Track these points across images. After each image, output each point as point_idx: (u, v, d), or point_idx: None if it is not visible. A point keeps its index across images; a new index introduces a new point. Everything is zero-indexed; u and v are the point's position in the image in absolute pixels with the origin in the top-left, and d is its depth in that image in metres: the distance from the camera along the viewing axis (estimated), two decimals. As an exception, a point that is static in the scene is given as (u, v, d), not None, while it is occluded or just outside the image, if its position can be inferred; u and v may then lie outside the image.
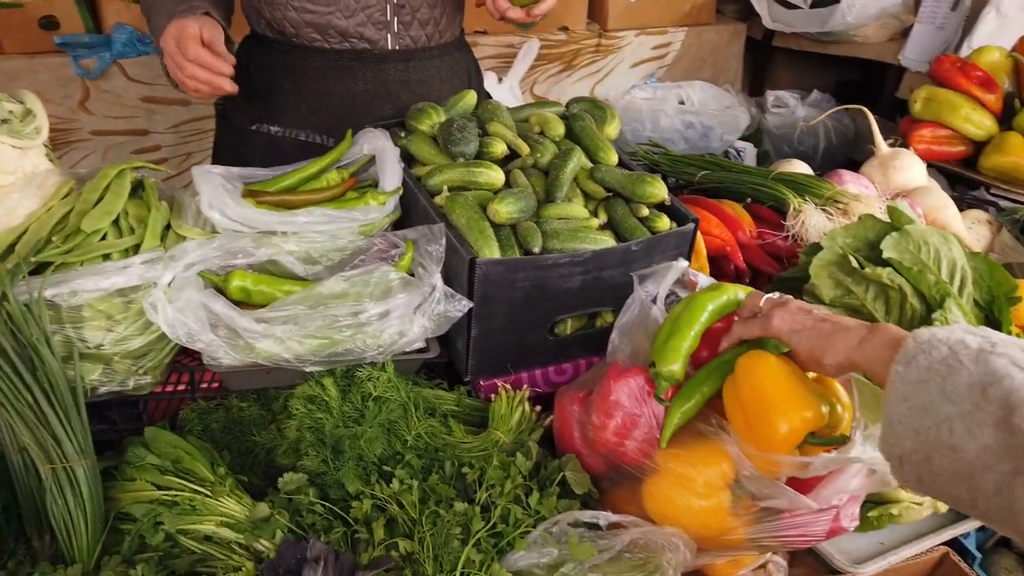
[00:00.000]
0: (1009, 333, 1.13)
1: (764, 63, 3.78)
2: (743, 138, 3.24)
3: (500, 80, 2.88)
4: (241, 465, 1.13)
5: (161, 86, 2.54)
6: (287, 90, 1.61)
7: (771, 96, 3.31)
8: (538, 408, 1.21)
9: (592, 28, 3.19)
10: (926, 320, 1.11)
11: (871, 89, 3.58)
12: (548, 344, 1.29)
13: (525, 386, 1.22)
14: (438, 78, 1.68)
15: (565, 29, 3.13)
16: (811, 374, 1.08)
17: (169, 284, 1.07)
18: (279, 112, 1.62)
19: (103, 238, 1.13)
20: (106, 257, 1.10)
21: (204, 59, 1.27)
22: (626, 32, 3.21)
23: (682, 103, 3.24)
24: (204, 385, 1.22)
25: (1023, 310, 1.33)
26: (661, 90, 3.22)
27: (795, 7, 3.20)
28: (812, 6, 3.14)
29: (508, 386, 1.21)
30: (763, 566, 1.14)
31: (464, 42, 1.83)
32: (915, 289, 1.13)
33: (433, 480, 1.04)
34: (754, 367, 0.99)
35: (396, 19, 1.57)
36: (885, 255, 1.15)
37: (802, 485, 0.98)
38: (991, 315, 1.17)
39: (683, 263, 1.10)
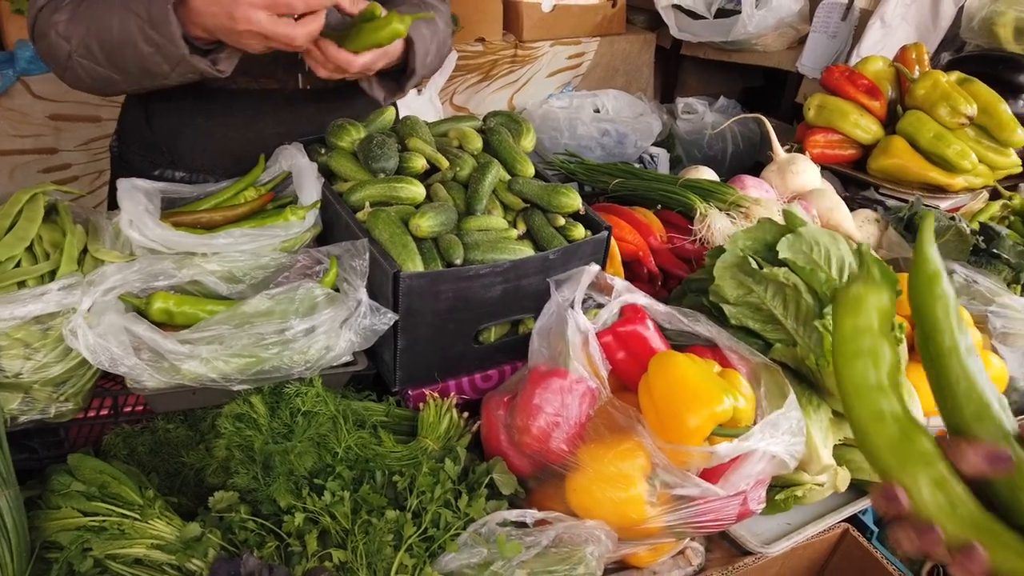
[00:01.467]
0: (894, 324, 1.24)
1: (674, 71, 3.94)
2: (657, 144, 3.37)
3: (420, 91, 2.92)
4: (170, 487, 1.13)
5: (69, 103, 2.47)
6: (190, 134, 1.56)
7: (681, 103, 3.45)
8: (466, 414, 1.25)
9: (508, 39, 3.27)
10: (819, 315, 1.20)
11: (774, 94, 3.78)
12: (473, 352, 1.33)
13: (453, 394, 1.25)
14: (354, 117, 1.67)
15: (482, 40, 3.19)
16: (715, 369, 1.16)
17: (89, 309, 1.06)
18: (183, 157, 1.58)
19: (17, 265, 1.12)
20: (21, 285, 1.09)
21: None
22: (541, 43, 3.30)
23: (598, 111, 3.35)
24: (128, 409, 1.21)
25: (906, 302, 1.45)
26: (577, 99, 3.32)
27: (700, 17, 3.35)
28: (715, 17, 3.30)
29: (436, 395, 1.25)
30: (682, 552, 1.21)
31: None
32: (808, 286, 1.22)
33: (364, 490, 1.06)
34: (665, 366, 1.07)
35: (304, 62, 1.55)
36: (781, 256, 1.25)
37: (711, 474, 1.06)
38: (877, 308, 1.27)
39: (595, 267, 1.16)
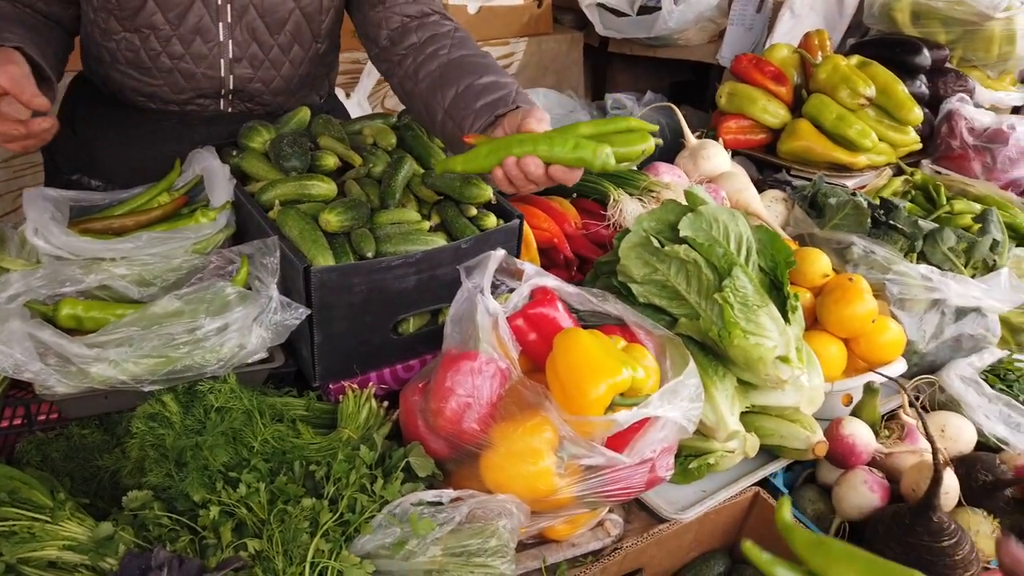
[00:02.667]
0: (787, 293, 1.30)
1: (604, 68, 4.01)
2: (588, 139, 3.42)
3: (348, 96, 2.93)
4: (86, 491, 1.13)
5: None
6: (111, 143, 1.56)
7: (610, 99, 3.52)
8: (386, 404, 1.27)
9: (436, 41, 3.29)
10: (719, 288, 1.26)
11: (702, 87, 3.88)
12: (393, 343, 1.35)
13: (371, 384, 1.28)
14: None
15: (409, 43, 3.21)
16: (620, 345, 1.20)
17: (-9, 317, 1.06)
18: (100, 165, 1.57)
19: (-84, 277, 1.11)
20: (-80, 296, 1.08)
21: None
22: (469, 44, 3.33)
23: (529, 109, 3.39)
24: (42, 417, 1.21)
25: (816, 276, 1.52)
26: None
27: (624, 15, 3.43)
28: (638, 13, 3.37)
29: (355, 386, 1.27)
30: (601, 524, 1.26)
31: (332, 101, 1.80)
32: (707, 261, 1.28)
33: (281, 481, 1.08)
34: (568, 342, 1.11)
35: (231, 95, 1.55)
36: (682, 234, 1.30)
37: (618, 444, 1.10)
38: (775, 278, 1.34)
39: (501, 252, 1.20)
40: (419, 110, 1.46)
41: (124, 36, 1.40)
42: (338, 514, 1.04)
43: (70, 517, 1.00)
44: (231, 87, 1.50)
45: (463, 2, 3.23)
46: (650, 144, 1.21)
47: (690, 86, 4.15)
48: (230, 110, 1.57)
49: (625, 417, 1.03)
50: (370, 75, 2.94)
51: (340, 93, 2.91)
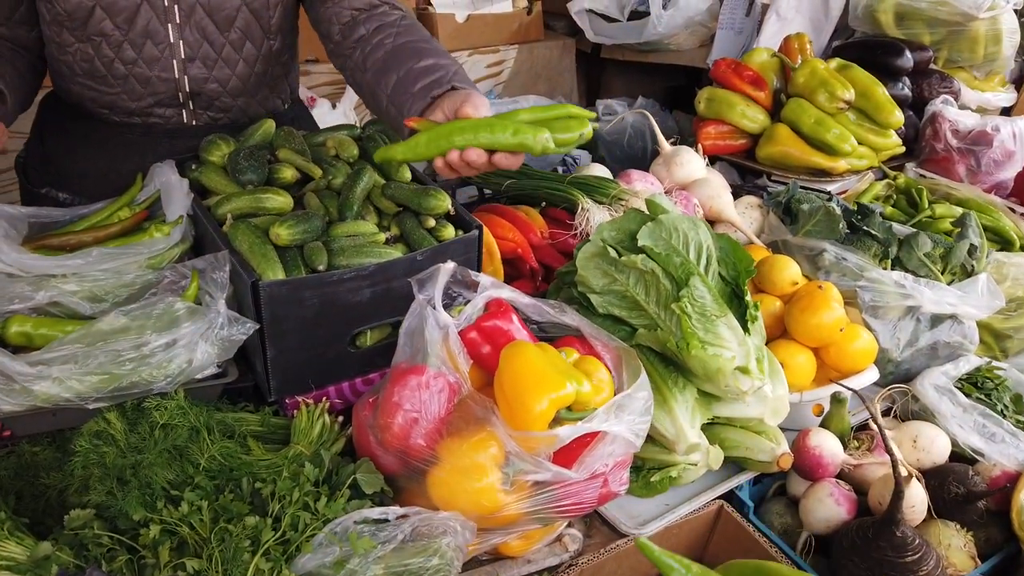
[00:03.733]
0: (747, 303, 1.28)
1: (597, 74, 4.00)
2: (579, 147, 3.41)
3: (334, 106, 2.93)
4: (35, 509, 1.12)
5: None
6: (77, 157, 1.57)
7: (601, 105, 3.50)
8: (340, 419, 1.26)
9: (425, 51, 3.29)
10: (676, 298, 1.24)
11: (695, 93, 3.85)
12: (351, 357, 1.34)
13: (324, 399, 1.26)
14: None
15: (398, 53, 3.21)
16: (573, 357, 1.18)
17: (-66, 335, 1.06)
18: (68, 179, 1.58)
19: None
20: None
21: None
22: (458, 53, 3.33)
23: (519, 117, 3.38)
24: (-6, 435, 1.20)
25: (786, 284, 1.49)
26: (497, 106, 3.35)
27: (614, 20, 3.41)
28: (629, 19, 3.36)
29: (310, 401, 1.25)
30: (559, 539, 1.23)
31: (298, 109, 1.80)
32: (665, 271, 1.26)
33: (225, 499, 1.06)
34: (512, 356, 1.09)
35: (191, 102, 1.55)
36: (640, 243, 1.28)
37: (567, 459, 1.08)
38: (736, 287, 1.31)
39: (450, 264, 1.18)
40: (368, 100, 1.48)
41: (78, 47, 1.41)
42: (280, 532, 1.03)
43: (8, 536, 0.99)
44: (187, 90, 1.51)
45: (451, 11, 3.23)
46: (588, 129, 1.23)
47: (684, 91, 4.12)
48: (194, 122, 1.57)
49: (567, 432, 1.01)
50: (356, 85, 2.94)
51: (326, 104, 2.93)
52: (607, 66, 3.99)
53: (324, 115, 2.85)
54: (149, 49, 1.43)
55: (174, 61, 1.46)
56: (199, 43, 1.46)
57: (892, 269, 1.57)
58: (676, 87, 4.16)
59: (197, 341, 1.15)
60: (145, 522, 1.03)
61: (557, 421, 1.05)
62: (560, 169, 3.10)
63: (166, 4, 1.40)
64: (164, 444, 1.08)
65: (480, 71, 3.45)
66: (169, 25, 1.42)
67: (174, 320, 1.17)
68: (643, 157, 3.41)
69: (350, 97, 2.94)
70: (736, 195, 1.84)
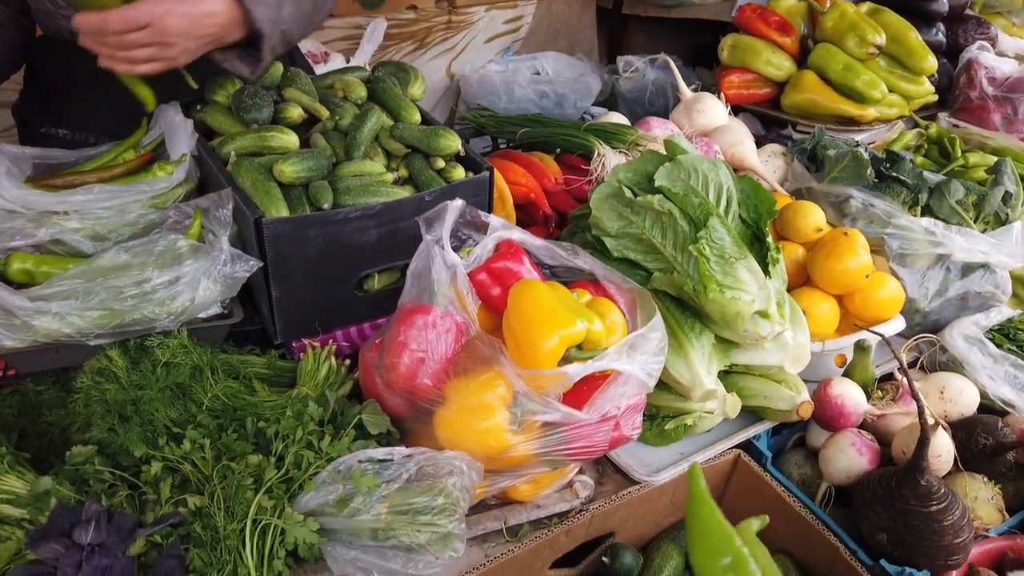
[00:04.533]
0: (768, 245, 1.22)
1: (619, 31, 3.90)
2: (600, 104, 3.33)
3: (348, 61, 2.88)
4: (38, 447, 1.11)
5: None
6: (74, 92, 1.53)
7: (622, 61, 3.41)
8: (347, 362, 1.23)
9: (441, 6, 3.22)
10: (694, 239, 1.19)
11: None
12: (359, 301, 1.31)
13: (331, 341, 1.24)
14: None
15: (413, 8, 3.15)
16: (585, 298, 1.14)
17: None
18: (65, 113, 1.54)
19: None
20: None
21: None
22: (476, 8, 3.25)
23: (537, 74, 3.31)
24: (-1, 374, 1.19)
25: (809, 231, 1.43)
26: (515, 63, 3.28)
27: (636, -26, 3.31)
28: (651, -28, 3.25)
29: (316, 343, 1.23)
30: (569, 485, 1.20)
31: (298, 58, 1.75)
32: (683, 212, 1.20)
33: (228, 438, 1.05)
34: (521, 293, 1.05)
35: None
36: (657, 183, 1.23)
37: (578, 400, 1.05)
38: (757, 230, 1.26)
39: (459, 202, 1.14)
40: None
41: None
42: (283, 471, 1.01)
43: (9, 470, 0.98)
44: None
45: (468, -37, 3.15)
46: None
47: (708, 49, 4.01)
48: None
49: (577, 370, 0.97)
50: (371, 39, 2.88)
51: (339, 59, 2.87)
52: (629, 23, 3.88)
53: (338, 70, 2.79)
54: None
55: None
56: None
57: (922, 217, 1.50)
58: (700, 44, 4.05)
59: (199, 278, 1.12)
60: (147, 459, 1.02)
61: (567, 360, 1.01)
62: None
63: None
64: (166, 381, 1.06)
65: (498, 27, 3.37)
66: None
67: (176, 257, 1.14)
68: (664, 114, 3.33)
69: (364, 51, 2.88)
70: (759, 144, 1.78)
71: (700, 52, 4.04)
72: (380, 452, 1.04)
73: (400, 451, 1.04)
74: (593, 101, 3.23)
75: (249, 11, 1.21)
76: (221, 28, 1.21)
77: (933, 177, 1.57)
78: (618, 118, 1.81)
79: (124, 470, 1.02)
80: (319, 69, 2.71)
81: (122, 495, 0.97)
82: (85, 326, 1.08)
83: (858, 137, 1.92)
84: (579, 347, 1.02)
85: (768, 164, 1.69)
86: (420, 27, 3.13)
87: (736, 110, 2.08)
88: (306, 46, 2.80)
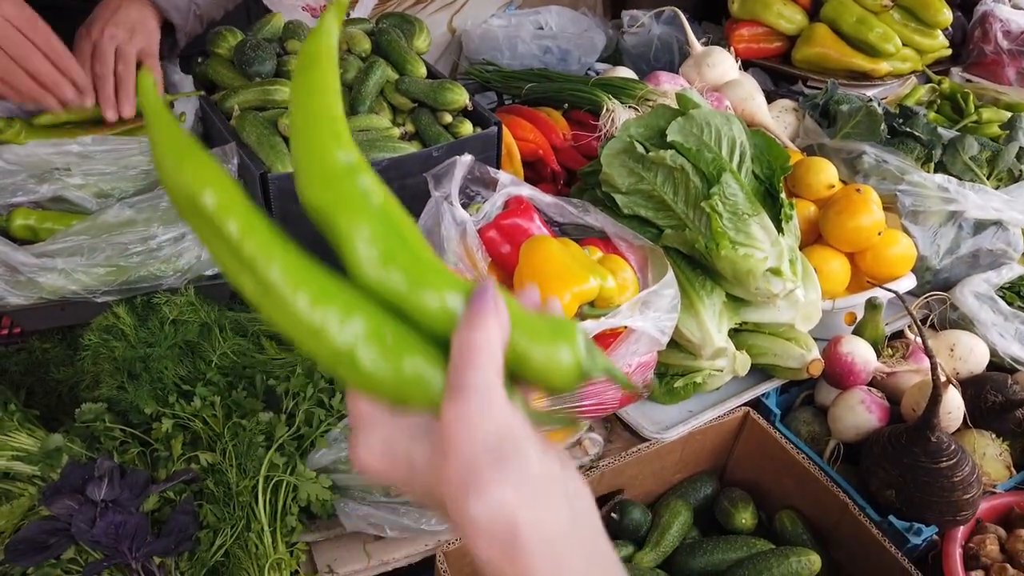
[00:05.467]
0: (782, 201, 1.21)
1: (623, -15, 3.81)
2: (604, 60, 3.27)
3: (348, 15, 2.82)
4: (47, 406, 1.11)
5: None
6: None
7: (627, 16, 3.34)
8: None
9: (442, -43, 3.14)
10: (707, 196, 1.17)
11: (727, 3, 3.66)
12: (366, 258, 1.29)
13: (339, 299, 1.22)
14: None
15: (414, -40, 3.07)
16: (596, 255, 1.13)
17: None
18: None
19: None
20: None
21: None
22: (477, -41, 3.17)
23: (540, 29, 3.24)
24: (4, 332, 1.19)
25: (821, 188, 1.42)
26: (518, 17, 3.21)
27: (641, -76, 3.22)
28: (657, -78, 3.16)
29: (323, 301, 1.22)
30: (579, 442, 1.20)
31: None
32: (695, 168, 1.18)
33: (238, 395, 1.04)
34: (533, 250, 1.04)
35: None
36: (669, 139, 1.20)
37: (590, 357, 1.04)
38: (770, 187, 1.24)
39: (467, 157, 1.12)
40: None
41: None
42: (295, 428, 1.01)
43: (19, 427, 0.98)
44: None
45: (469, -86, 3.06)
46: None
47: (715, 2, 3.93)
48: None
49: (589, 327, 0.96)
50: (372, -8, 2.81)
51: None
52: (633, -24, 3.80)
53: (338, 24, 2.74)
54: None
55: None
56: None
57: (935, 173, 1.48)
58: (705, -1, 3.96)
59: (205, 235, 1.11)
60: (157, 416, 1.01)
61: (580, 317, 1.01)
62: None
63: None
64: (174, 339, 1.05)
65: (500, -20, 3.29)
66: None
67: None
68: (670, 70, 3.28)
69: (364, 5, 2.82)
70: (769, 100, 1.74)
71: (706, 5, 3.96)
72: (391, 409, 1.03)
73: (410, 408, 1.04)
74: (598, 57, 3.18)
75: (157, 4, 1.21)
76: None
77: (947, 133, 1.54)
78: (626, 73, 1.77)
79: (134, 427, 1.02)
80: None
81: (133, 452, 0.97)
82: (91, 283, 1.06)
83: (870, 92, 1.89)
84: (591, 304, 1.01)
85: (779, 120, 1.66)
86: (421, -20, 3.06)
87: (746, 65, 2.04)
88: (305, -1, 2.75)
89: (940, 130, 1.53)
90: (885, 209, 1.40)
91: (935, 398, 1.09)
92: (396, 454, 0.47)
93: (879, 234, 1.33)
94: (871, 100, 1.60)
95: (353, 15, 2.83)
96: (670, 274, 1.06)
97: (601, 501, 1.21)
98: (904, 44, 1.91)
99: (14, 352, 1.14)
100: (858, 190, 1.37)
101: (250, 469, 0.97)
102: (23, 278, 1.04)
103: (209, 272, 1.14)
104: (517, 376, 0.48)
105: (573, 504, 0.46)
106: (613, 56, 3.32)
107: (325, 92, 0.45)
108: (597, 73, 3.22)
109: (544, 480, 0.44)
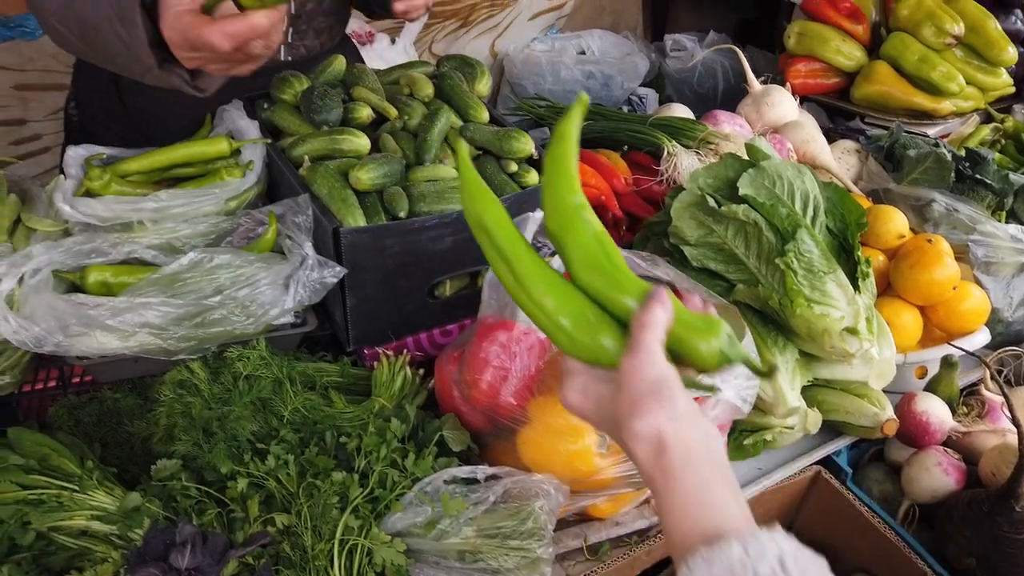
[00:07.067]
0: (858, 258, 1.18)
1: (664, 8, 3.80)
2: (646, 84, 3.26)
3: (393, 41, 2.83)
4: (118, 457, 1.11)
5: (34, 71, 2.41)
6: (170, 111, 1.42)
7: (669, 40, 3.32)
8: (421, 372, 1.21)
9: (486, -18, 3.15)
10: (781, 252, 1.15)
11: (768, 26, 3.63)
12: (429, 307, 1.29)
13: (405, 351, 1.22)
14: None
15: (458, -15, 3.08)
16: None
17: (17, 286, 1.03)
18: (159, 135, 1.40)
19: (-54, 238, 1.09)
20: (-51, 258, 1.06)
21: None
22: (520, -17, 3.18)
23: (583, 53, 3.24)
24: (76, 380, 1.19)
25: (891, 237, 1.39)
26: (560, 41, 3.21)
27: (685, -51, 3.20)
28: (701, -54, 3.14)
29: (390, 353, 1.21)
30: (647, 502, 1.19)
31: (347, 36, 1.73)
32: (769, 223, 1.16)
33: (311, 453, 1.04)
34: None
35: (291, 30, 1.45)
36: (741, 192, 1.19)
37: (666, 421, 1.02)
38: (844, 241, 1.22)
39: (539, 214, 1.11)
40: None
41: None
42: (368, 490, 1.00)
43: (98, 486, 0.98)
44: (292, 11, 1.42)
45: (514, -61, 3.06)
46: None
47: (757, 25, 3.90)
48: (289, 58, 1.49)
49: (673, 397, 0.94)
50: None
51: (384, 39, 2.82)
52: (674, -1, 3.78)
53: (383, 50, 2.75)
54: None
55: None
56: None
57: (1007, 222, 1.45)
58: (747, 20, 3.94)
59: (283, 284, 1.11)
60: (232, 475, 1.01)
61: (659, 383, 0.99)
62: (626, 110, 2.98)
63: None
64: (248, 396, 1.05)
65: (542, 3, 3.30)
66: None
67: (258, 263, 1.13)
68: (713, 96, 3.25)
69: (410, 31, 2.83)
70: (829, 139, 1.72)
71: (746, 28, 3.93)
72: (463, 471, 1.02)
73: (484, 470, 1.03)
74: (641, 82, 3.16)
75: None
76: None
77: (1018, 179, 1.51)
78: (683, 110, 1.75)
79: (209, 485, 1.02)
80: (364, 50, 2.67)
81: (211, 514, 0.97)
82: (166, 336, 1.07)
83: (931, 131, 1.86)
84: (670, 368, 1.00)
85: (842, 161, 1.63)
86: (464, 4, 3.07)
87: (801, 99, 2.01)
88: (351, 26, 2.76)
89: (1011, 176, 1.49)
90: (956, 259, 1.37)
91: (1021, 466, 1.06)
92: (589, 394, 0.72)
93: (954, 288, 1.30)
94: (938, 144, 1.57)
95: (399, 41, 2.85)
96: (749, 337, 1.04)
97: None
98: (967, 82, 1.87)
99: (87, 402, 1.15)
100: (929, 240, 1.34)
101: (325, 532, 0.96)
102: (98, 332, 1.04)
103: (281, 321, 1.14)
104: (676, 356, 0.69)
105: (706, 431, 0.68)
106: (656, 80, 3.30)
107: (567, 160, 0.70)
108: (640, 98, 3.21)
109: (686, 412, 0.66)
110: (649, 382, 0.66)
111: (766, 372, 0.72)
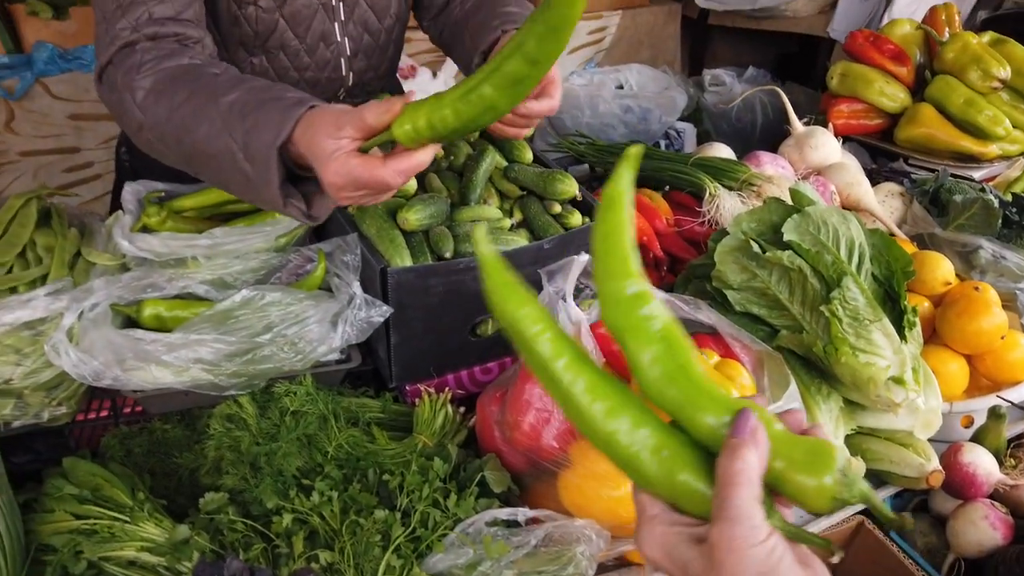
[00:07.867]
0: (904, 307, 1.17)
1: (703, 42, 3.82)
2: (683, 119, 3.27)
3: (435, 75, 2.89)
4: (166, 487, 1.14)
5: (88, 102, 2.51)
6: None
7: (708, 75, 3.34)
8: (462, 410, 1.23)
9: (526, 17, 3.20)
10: (826, 299, 1.15)
11: (808, 62, 3.63)
12: (471, 345, 1.31)
13: (447, 389, 1.23)
14: None
15: (499, 20, 3.13)
16: (713, 360, 1.11)
17: (77, 321, 1.06)
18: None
19: (10, 271, 1.13)
20: (13, 290, 1.10)
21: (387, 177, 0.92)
22: (561, 19, 3.22)
23: (621, 87, 3.26)
24: (128, 410, 1.23)
25: (937, 284, 1.37)
26: (599, 75, 3.23)
27: (726, -15, 3.23)
28: (742, -16, 3.17)
29: (431, 390, 1.23)
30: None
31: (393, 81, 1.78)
32: (814, 270, 1.16)
33: (354, 490, 1.05)
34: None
35: (345, 96, 1.49)
36: (786, 238, 1.19)
37: (709, 469, 1.02)
38: (890, 289, 1.21)
39: (585, 257, 1.12)
40: (460, 54, 1.41)
41: (250, 60, 1.35)
42: (410, 529, 1.01)
43: (148, 518, 1.01)
44: (350, 84, 1.47)
45: (555, -25, 3.11)
46: None
47: (795, 60, 3.90)
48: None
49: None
50: (458, 54, 2.88)
51: (426, 72, 2.88)
52: (713, 33, 3.80)
53: (425, 84, 2.81)
54: (321, 52, 1.38)
55: (342, 59, 1.41)
56: (360, 36, 1.41)
57: (1056, 270, 1.42)
58: (787, 55, 3.94)
59: (332, 322, 1.13)
60: (277, 510, 1.03)
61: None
62: (663, 144, 2.98)
63: (333, 3, 1.34)
64: (295, 432, 1.07)
65: (581, 37, 3.34)
66: (336, 24, 1.37)
67: (307, 301, 1.15)
68: (752, 132, 3.25)
69: (452, 66, 2.88)
70: (872, 180, 1.71)
71: (785, 63, 3.93)
72: (504, 512, 1.03)
73: (525, 512, 1.03)
74: (679, 116, 3.18)
75: None
76: None
77: (1067, 226, 1.49)
78: (725, 151, 1.76)
79: (255, 518, 1.04)
80: (406, 84, 2.72)
81: (258, 548, 0.98)
82: (216, 370, 1.09)
83: (976, 174, 1.84)
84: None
85: (885, 204, 1.63)
86: (505, 39, 3.13)
87: (843, 139, 2.01)
88: (395, 61, 2.81)
89: (1060, 223, 1.47)
90: (1003, 307, 1.35)
91: (1074, 526, 1.04)
92: (673, 556, 0.56)
93: (1002, 338, 1.28)
94: (984, 189, 1.55)
95: (440, 75, 2.90)
96: (793, 386, 1.04)
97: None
98: (1013, 126, 1.85)
99: (137, 432, 1.17)
100: (977, 288, 1.32)
101: (367, 569, 0.97)
102: (152, 365, 1.07)
103: (328, 358, 1.17)
104: (776, 492, 0.56)
105: None
106: (694, 115, 3.32)
107: (620, 231, 0.58)
108: (678, 132, 3.22)
109: None
110: (751, 571, 0.51)
111: (895, 519, 0.57)
